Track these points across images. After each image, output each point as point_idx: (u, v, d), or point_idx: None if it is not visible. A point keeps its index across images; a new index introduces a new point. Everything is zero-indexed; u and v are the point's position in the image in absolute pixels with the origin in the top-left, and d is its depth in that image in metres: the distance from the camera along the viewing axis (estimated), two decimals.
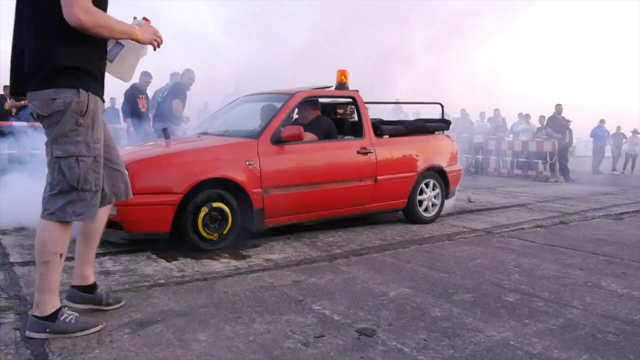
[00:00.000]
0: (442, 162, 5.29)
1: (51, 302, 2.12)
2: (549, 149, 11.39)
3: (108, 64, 2.32)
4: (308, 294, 2.81)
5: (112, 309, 2.46)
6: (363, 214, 4.84)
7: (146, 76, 7.24)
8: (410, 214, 5.07)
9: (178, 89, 6.81)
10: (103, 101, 2.23)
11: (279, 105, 4.41)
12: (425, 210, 5.14)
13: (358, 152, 4.59)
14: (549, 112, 12.17)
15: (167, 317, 2.42)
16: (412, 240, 4.33)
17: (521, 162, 12.11)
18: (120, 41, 2.32)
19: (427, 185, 5.14)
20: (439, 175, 5.25)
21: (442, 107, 5.83)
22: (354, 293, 2.84)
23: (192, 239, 3.67)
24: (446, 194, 5.33)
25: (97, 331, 2.20)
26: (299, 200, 4.18)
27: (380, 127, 4.90)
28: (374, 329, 2.32)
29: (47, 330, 2.11)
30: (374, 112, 5.53)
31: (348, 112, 5.34)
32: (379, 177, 4.68)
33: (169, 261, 3.48)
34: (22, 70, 2.11)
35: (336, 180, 4.40)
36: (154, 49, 2.36)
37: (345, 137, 4.90)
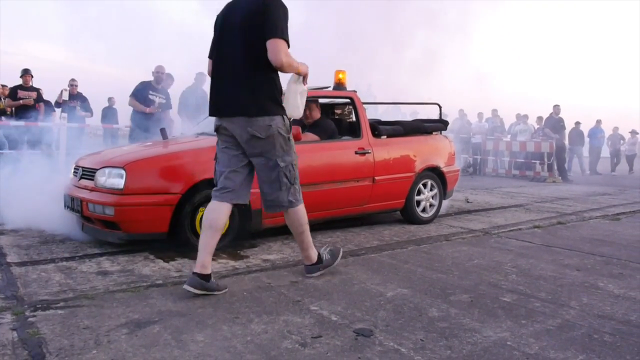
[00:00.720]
0: (440, 162, 5.29)
1: (314, 254, 3.12)
2: (546, 149, 11.42)
3: None
4: (306, 294, 2.82)
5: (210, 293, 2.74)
6: (361, 214, 4.85)
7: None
8: (408, 215, 5.08)
9: (136, 87, 7.09)
10: None
11: None
12: (423, 210, 5.14)
13: (356, 153, 4.59)
14: (547, 112, 12.21)
15: (165, 317, 2.42)
16: (409, 240, 4.34)
17: (519, 162, 12.14)
18: None
19: (424, 185, 5.14)
20: (437, 175, 5.26)
21: (440, 107, 5.84)
22: (352, 293, 2.84)
23: (190, 239, 3.66)
24: (444, 194, 5.34)
25: (340, 261, 3.29)
26: None
27: (378, 128, 4.90)
28: (372, 329, 2.32)
29: (320, 269, 3.13)
30: (372, 113, 5.54)
31: (346, 112, 5.34)
32: (376, 178, 4.68)
33: (167, 261, 3.48)
34: (228, 98, 2.76)
35: (334, 181, 4.40)
36: (304, 83, 2.93)
37: (343, 137, 4.89)
